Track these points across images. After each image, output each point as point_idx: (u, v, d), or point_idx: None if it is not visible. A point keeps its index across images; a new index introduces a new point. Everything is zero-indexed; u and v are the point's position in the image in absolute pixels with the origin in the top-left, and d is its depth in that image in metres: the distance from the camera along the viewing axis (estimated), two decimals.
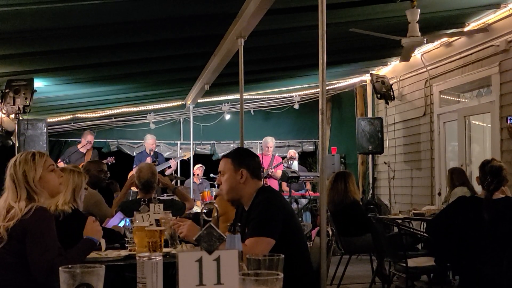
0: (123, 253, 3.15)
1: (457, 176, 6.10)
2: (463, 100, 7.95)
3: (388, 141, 8.92)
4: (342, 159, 10.66)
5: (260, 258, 1.44)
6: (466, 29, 7.02)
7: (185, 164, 10.47)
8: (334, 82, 10.15)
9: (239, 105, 5.60)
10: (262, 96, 10.70)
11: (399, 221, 5.76)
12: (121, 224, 3.85)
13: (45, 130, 7.30)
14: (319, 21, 3.29)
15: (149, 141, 9.32)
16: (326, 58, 3.28)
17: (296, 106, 10.87)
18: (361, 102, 10.43)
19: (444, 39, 7.52)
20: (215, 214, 3.65)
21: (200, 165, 9.97)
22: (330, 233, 3.38)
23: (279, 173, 9.21)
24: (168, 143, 11.33)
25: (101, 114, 10.25)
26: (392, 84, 8.70)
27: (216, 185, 4.00)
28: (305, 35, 6.07)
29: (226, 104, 10.68)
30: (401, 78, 8.94)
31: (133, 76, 7.42)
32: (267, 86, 9.75)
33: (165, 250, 3.09)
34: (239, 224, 2.07)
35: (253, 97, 10.48)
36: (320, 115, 3.32)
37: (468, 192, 5.79)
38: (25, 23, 4.61)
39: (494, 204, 3.84)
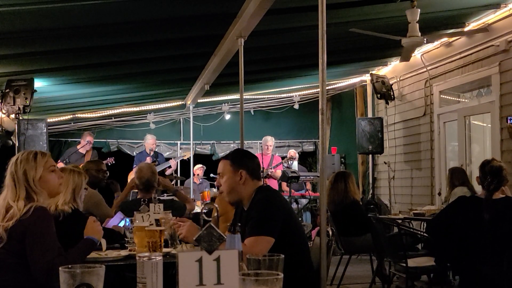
0: (123, 253, 3.15)
1: (457, 176, 6.10)
2: (463, 100, 7.95)
3: (388, 141, 8.92)
4: (342, 159, 10.66)
5: (260, 258, 1.44)
6: (466, 29, 7.02)
7: (185, 164, 10.47)
8: (334, 82, 10.15)
9: (239, 105, 5.60)
10: (262, 96, 10.70)
11: (399, 221, 5.76)
12: (121, 224, 3.85)
13: (45, 130, 7.30)
14: (319, 21, 3.29)
15: (149, 141, 9.32)
16: (326, 58, 3.28)
17: (296, 106, 10.87)
18: (361, 102, 10.43)
19: (444, 39, 7.52)
20: (215, 214, 3.65)
21: (201, 165, 9.96)
22: (330, 233, 3.38)
23: (278, 173, 9.21)
24: (168, 143, 11.33)
25: (101, 114, 10.25)
26: (392, 84, 8.70)
27: (216, 187, 3.99)
28: (305, 35, 6.07)
29: (226, 104, 10.69)
30: (401, 78, 8.94)
31: (133, 76, 7.42)
32: (267, 86, 9.76)
33: (165, 250, 3.09)
34: (239, 224, 2.07)
35: (253, 97, 10.48)
36: (320, 115, 3.32)
37: (468, 192, 5.79)
38: (25, 23, 4.61)
39: (494, 204, 3.84)
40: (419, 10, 5.52)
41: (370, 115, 9.91)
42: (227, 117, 11.03)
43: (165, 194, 7.22)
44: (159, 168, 8.38)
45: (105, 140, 10.97)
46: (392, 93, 8.61)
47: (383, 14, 6.06)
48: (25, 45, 5.35)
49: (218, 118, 11.23)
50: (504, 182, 3.96)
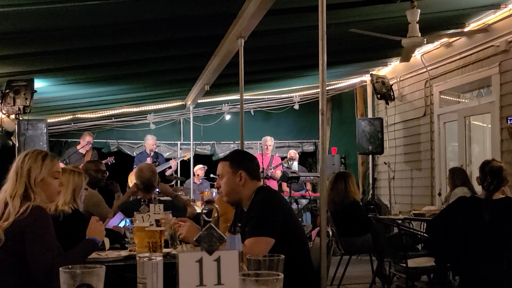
0: (123, 253, 3.15)
1: (458, 176, 6.10)
2: (463, 100, 7.95)
3: (388, 142, 8.92)
4: (342, 160, 10.66)
5: (260, 259, 1.44)
6: (466, 29, 7.02)
7: (185, 165, 10.47)
8: (334, 82, 10.15)
9: (239, 106, 5.60)
10: (262, 97, 10.70)
11: (399, 221, 5.76)
12: (121, 224, 3.85)
13: (45, 131, 7.30)
14: (319, 21, 3.29)
15: (150, 142, 9.33)
16: (326, 58, 3.29)
17: (296, 107, 10.87)
18: (361, 103, 10.43)
19: (444, 40, 7.52)
20: (215, 215, 3.65)
21: (202, 165, 9.96)
22: (330, 233, 3.38)
23: (278, 173, 9.21)
24: (168, 143, 11.33)
25: (101, 115, 10.25)
26: (392, 85, 8.71)
27: (216, 189, 3.99)
28: (305, 35, 6.07)
29: (226, 104, 10.69)
30: (401, 79, 8.94)
31: (133, 77, 7.43)
32: (267, 87, 9.76)
33: (165, 250, 3.09)
34: (239, 225, 2.07)
35: (253, 97, 10.48)
36: (320, 116, 3.32)
37: (468, 192, 5.79)
38: (25, 23, 4.61)
39: (494, 205, 3.84)
40: (419, 10, 5.52)
41: (370, 115, 9.92)
42: (227, 117, 11.03)
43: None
44: (159, 169, 8.39)
45: (105, 141, 10.97)
46: (392, 94, 8.61)
47: (383, 15, 6.06)
48: (25, 45, 5.35)
49: (218, 118, 11.23)
50: (504, 182, 3.96)
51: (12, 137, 7.60)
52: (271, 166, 9.27)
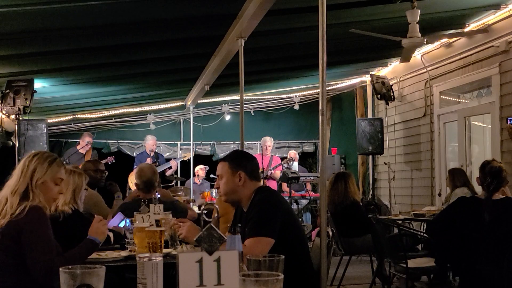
0: (123, 253, 3.15)
1: (458, 177, 6.10)
2: (463, 100, 7.95)
3: (388, 142, 8.92)
4: (342, 160, 10.66)
5: (260, 259, 1.44)
6: (466, 29, 7.02)
7: (185, 165, 10.47)
8: (334, 82, 10.15)
9: (239, 106, 5.60)
10: (262, 97, 10.70)
11: (399, 221, 5.76)
12: (122, 224, 3.85)
13: (45, 131, 7.30)
14: (319, 21, 3.29)
15: (150, 142, 9.33)
16: (326, 58, 3.28)
17: (296, 107, 10.87)
18: (361, 103, 10.43)
19: (444, 40, 7.52)
20: (216, 215, 3.65)
21: (203, 165, 9.96)
22: (330, 233, 3.38)
23: (277, 173, 9.21)
24: (168, 143, 11.33)
25: (101, 115, 10.25)
26: (392, 85, 8.70)
27: (216, 189, 3.99)
28: (305, 35, 6.07)
29: (226, 104, 10.69)
30: (401, 79, 8.94)
31: (133, 77, 7.43)
32: (267, 87, 9.76)
33: (165, 250, 3.09)
34: (240, 225, 2.07)
35: (253, 97, 10.49)
36: (320, 116, 3.32)
37: (469, 192, 5.79)
38: (25, 24, 4.62)
39: (494, 205, 3.84)
40: (419, 10, 5.52)
41: (370, 115, 9.92)
42: (227, 117, 11.03)
43: None
44: (159, 169, 8.39)
45: (105, 141, 10.97)
46: (392, 94, 8.61)
47: (383, 15, 6.06)
48: (25, 45, 5.35)
49: (218, 118, 11.23)
50: (504, 183, 3.96)
51: (12, 137, 7.60)
52: (270, 166, 9.27)
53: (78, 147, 8.82)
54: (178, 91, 8.96)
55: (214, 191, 7.69)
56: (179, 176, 10.35)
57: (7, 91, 6.52)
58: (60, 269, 1.30)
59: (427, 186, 8.26)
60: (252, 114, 11.23)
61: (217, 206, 3.16)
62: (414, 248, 5.79)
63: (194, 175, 9.61)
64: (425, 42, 6.02)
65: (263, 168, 8.48)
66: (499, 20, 6.56)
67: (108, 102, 9.12)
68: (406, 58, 6.69)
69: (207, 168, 9.95)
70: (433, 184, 8.11)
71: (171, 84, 8.37)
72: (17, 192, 2.67)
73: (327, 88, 4.67)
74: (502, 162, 4.57)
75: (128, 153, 11.04)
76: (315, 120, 6.96)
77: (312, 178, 9.75)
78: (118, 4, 4.47)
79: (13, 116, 6.90)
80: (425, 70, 8.14)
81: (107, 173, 5.68)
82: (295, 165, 9.49)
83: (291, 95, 10.72)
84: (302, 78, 9.19)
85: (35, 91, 6.52)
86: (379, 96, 8.60)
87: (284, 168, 9.10)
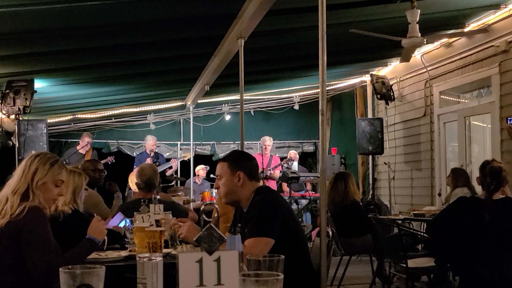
0: (123, 253, 3.15)
1: (460, 177, 6.10)
2: (463, 100, 7.95)
3: (388, 142, 8.92)
4: (342, 160, 10.66)
5: (260, 259, 1.44)
6: (466, 29, 7.02)
7: (185, 165, 10.47)
8: (334, 82, 10.15)
9: (239, 106, 5.60)
10: (262, 97, 10.70)
11: (399, 221, 5.76)
12: (121, 224, 3.85)
13: (45, 131, 7.30)
14: (319, 21, 3.29)
15: (150, 142, 9.33)
16: (326, 58, 3.28)
17: (296, 107, 10.87)
18: (361, 103, 10.44)
19: (444, 40, 7.52)
20: (216, 215, 3.65)
21: (203, 165, 9.96)
22: (330, 233, 3.38)
23: (277, 173, 9.21)
24: (168, 143, 11.33)
25: (101, 115, 10.25)
26: (392, 85, 8.71)
27: (216, 189, 4.00)
28: (305, 35, 6.07)
29: (226, 104, 10.69)
30: (401, 79, 8.94)
31: (133, 77, 7.43)
32: (267, 87, 9.76)
33: (165, 250, 3.09)
34: (240, 225, 2.07)
35: (253, 97, 10.49)
36: (320, 116, 3.32)
37: (469, 192, 5.79)
38: (25, 24, 4.61)
39: (494, 205, 3.84)
40: (419, 10, 5.52)
41: (370, 115, 9.92)
42: (227, 117, 11.03)
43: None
44: (160, 169, 8.38)
45: (105, 141, 10.98)
46: (392, 94, 8.61)
47: (383, 15, 6.06)
48: (25, 45, 5.35)
49: (218, 118, 11.23)
50: (504, 183, 3.96)
51: (12, 138, 7.61)
52: (270, 166, 9.27)
53: (78, 147, 8.83)
54: (178, 91, 8.96)
55: (214, 191, 7.69)
56: (179, 176, 10.35)
57: (7, 91, 6.52)
58: (60, 269, 1.30)
59: (427, 186, 8.26)
60: (252, 114, 11.23)
61: (217, 206, 3.16)
62: (414, 248, 5.79)
63: (194, 175, 9.61)
64: (425, 42, 6.02)
65: (262, 168, 8.48)
66: (499, 20, 6.56)
67: (108, 102, 9.12)
68: (406, 58, 6.70)
69: (208, 168, 9.95)
70: (433, 184, 8.11)
71: (171, 84, 8.37)
72: (17, 192, 2.67)
73: (327, 88, 4.66)
74: (502, 162, 4.57)
75: (128, 153, 11.04)
76: (315, 120, 6.94)
77: (312, 178, 9.75)
78: (118, 4, 4.47)
79: (13, 116, 6.90)
80: (425, 70, 8.14)
81: (106, 173, 5.68)
82: (295, 165, 9.49)
83: (291, 95, 10.72)
84: (302, 78, 9.19)
85: (35, 91, 6.52)
86: (379, 96, 8.61)
87: (284, 168, 9.10)
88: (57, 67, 6.41)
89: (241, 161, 3.11)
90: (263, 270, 1.38)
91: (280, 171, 9.10)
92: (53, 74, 6.68)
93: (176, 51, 6.32)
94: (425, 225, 6.25)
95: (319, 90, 3.35)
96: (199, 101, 9.44)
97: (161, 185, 7.39)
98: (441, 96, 8.03)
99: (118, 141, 11.06)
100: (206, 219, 2.85)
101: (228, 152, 9.31)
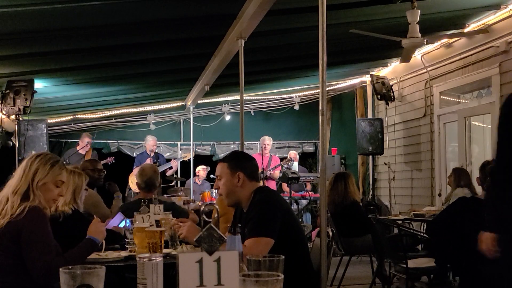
0: (124, 254, 3.15)
1: (463, 177, 6.09)
2: (463, 101, 7.95)
3: (388, 142, 8.92)
4: (342, 160, 10.66)
5: (261, 259, 1.44)
6: (466, 30, 7.02)
7: (185, 165, 10.47)
8: (334, 83, 10.15)
9: (239, 106, 5.60)
10: (262, 97, 10.70)
11: (399, 222, 5.76)
12: (122, 224, 3.85)
13: (45, 131, 7.30)
14: (319, 22, 3.29)
15: (150, 142, 9.33)
16: (326, 59, 3.28)
17: (296, 107, 10.87)
18: (361, 103, 10.44)
19: (444, 40, 7.52)
20: (216, 215, 3.65)
21: (204, 166, 9.96)
22: (330, 234, 3.38)
23: (277, 174, 9.21)
24: (168, 144, 11.33)
25: (101, 115, 10.25)
26: (392, 85, 8.70)
27: (216, 190, 4.00)
28: (305, 36, 6.07)
29: (226, 105, 10.69)
30: (401, 79, 8.94)
31: (133, 77, 7.43)
32: (267, 87, 9.76)
33: (165, 251, 3.09)
34: (240, 225, 2.07)
35: (253, 98, 10.49)
36: (320, 116, 3.32)
37: (469, 193, 5.79)
38: (25, 23, 4.61)
39: None
40: (419, 11, 5.52)
41: (370, 116, 9.92)
42: (227, 118, 11.03)
43: (165, 195, 7.22)
44: (160, 169, 8.38)
45: (106, 141, 10.98)
46: (392, 94, 8.61)
47: (383, 15, 6.06)
48: (25, 45, 5.35)
49: (218, 119, 11.23)
50: None
51: (12, 138, 7.60)
52: (269, 166, 9.27)
53: (78, 147, 8.83)
54: (178, 91, 8.97)
55: (214, 191, 7.69)
56: (179, 176, 10.35)
57: (7, 91, 6.52)
58: (60, 269, 1.30)
59: (427, 186, 8.26)
60: (252, 114, 11.23)
61: (217, 206, 3.16)
62: (414, 248, 5.79)
63: (194, 175, 9.61)
64: (425, 42, 6.02)
65: (262, 168, 8.48)
66: (499, 20, 6.56)
67: (108, 102, 9.12)
68: (406, 58, 6.70)
69: (208, 168, 9.95)
70: (433, 184, 8.10)
71: (171, 84, 8.37)
72: (18, 192, 2.68)
73: (327, 88, 4.67)
74: None
75: (128, 153, 11.04)
76: (315, 120, 6.93)
77: (312, 178, 9.75)
78: (118, 4, 4.47)
79: (13, 116, 6.90)
80: (425, 70, 8.14)
81: (105, 172, 5.68)
82: (295, 165, 9.49)
83: (291, 95, 10.72)
84: (302, 78, 9.19)
85: (35, 91, 6.52)
86: (379, 96, 8.60)
87: (284, 168, 9.10)
88: (57, 67, 6.41)
89: (241, 162, 3.11)
90: (263, 270, 1.38)
91: (280, 171, 9.10)
92: (53, 74, 6.68)
93: (176, 51, 6.32)
94: (425, 225, 6.24)
95: (319, 90, 3.35)
96: (199, 101, 9.44)
97: (161, 185, 7.40)
98: (441, 97, 8.03)
99: (118, 141, 11.06)
100: (206, 219, 2.85)
101: (228, 152, 9.33)
